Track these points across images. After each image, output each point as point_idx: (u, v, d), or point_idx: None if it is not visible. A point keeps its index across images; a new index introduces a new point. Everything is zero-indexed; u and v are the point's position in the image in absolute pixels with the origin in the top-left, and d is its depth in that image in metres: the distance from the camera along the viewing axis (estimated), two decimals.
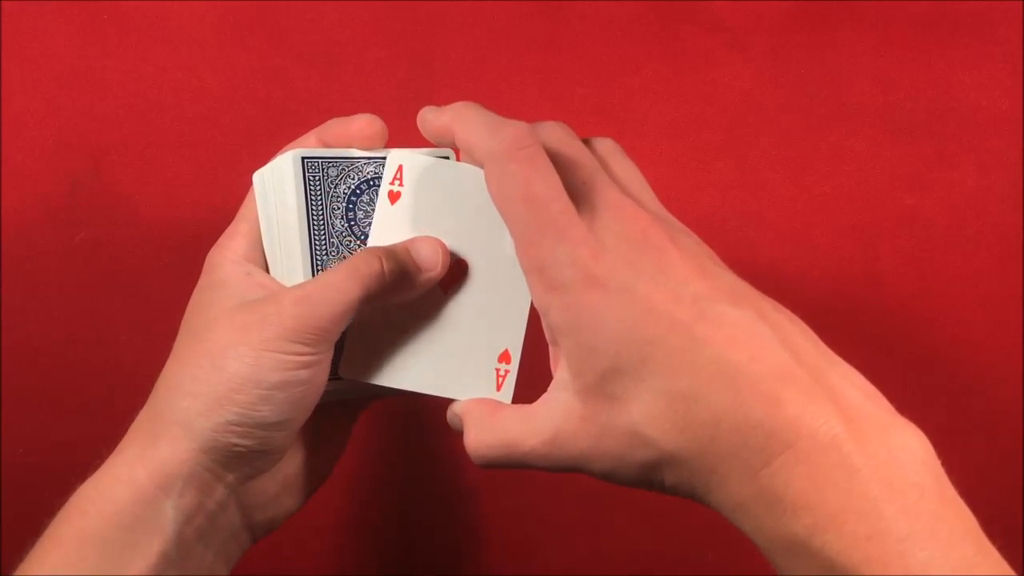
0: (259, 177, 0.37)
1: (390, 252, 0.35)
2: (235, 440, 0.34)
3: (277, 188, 0.37)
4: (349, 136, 0.37)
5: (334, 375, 0.37)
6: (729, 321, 0.29)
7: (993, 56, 0.56)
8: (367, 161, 0.37)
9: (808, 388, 0.29)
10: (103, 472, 0.34)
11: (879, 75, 0.56)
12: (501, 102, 0.55)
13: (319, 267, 0.36)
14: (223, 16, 0.54)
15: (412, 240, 0.36)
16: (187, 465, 0.33)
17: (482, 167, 0.33)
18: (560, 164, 0.33)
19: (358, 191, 0.37)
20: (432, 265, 0.36)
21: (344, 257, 0.36)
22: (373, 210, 0.37)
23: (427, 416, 0.53)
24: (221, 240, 0.38)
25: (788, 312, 0.32)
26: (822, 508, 0.28)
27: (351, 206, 0.37)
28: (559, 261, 0.30)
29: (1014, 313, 0.54)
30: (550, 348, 0.33)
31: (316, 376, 0.34)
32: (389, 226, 0.37)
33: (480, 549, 0.53)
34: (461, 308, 0.37)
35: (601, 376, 0.30)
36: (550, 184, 0.31)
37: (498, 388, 0.37)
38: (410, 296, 0.36)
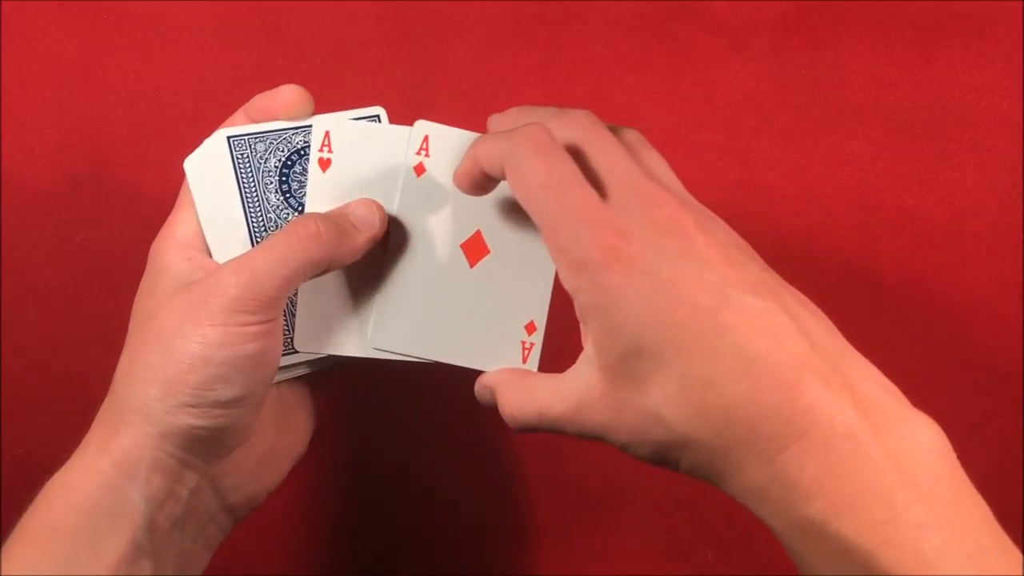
0: (190, 163, 0.37)
1: (325, 215, 0.36)
2: (193, 422, 0.34)
3: (209, 171, 0.37)
4: (274, 109, 0.38)
5: (291, 349, 0.37)
6: (750, 310, 0.30)
7: (993, 56, 0.56)
8: (295, 131, 0.38)
9: (825, 378, 0.29)
10: (69, 465, 0.34)
11: (879, 75, 0.56)
12: (501, 102, 0.55)
13: (259, 243, 0.36)
14: (223, 16, 0.54)
15: (347, 204, 0.37)
16: (148, 451, 0.33)
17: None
18: (587, 150, 0.33)
19: (289, 162, 0.37)
20: (369, 224, 0.36)
21: None
22: (307, 180, 0.38)
23: (425, 416, 0.53)
24: (162, 230, 0.38)
25: (810, 304, 0.32)
26: (837, 493, 0.28)
27: (284, 178, 0.37)
28: (582, 242, 0.31)
29: (1014, 313, 0.54)
30: (581, 326, 0.34)
31: (268, 349, 0.34)
32: (323, 193, 0.37)
33: (479, 549, 0.53)
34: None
35: (622, 356, 0.31)
36: (566, 170, 0.31)
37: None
38: (354, 257, 0.36)
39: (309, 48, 0.54)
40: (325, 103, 0.54)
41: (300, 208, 0.38)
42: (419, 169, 0.37)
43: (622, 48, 0.56)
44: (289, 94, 0.38)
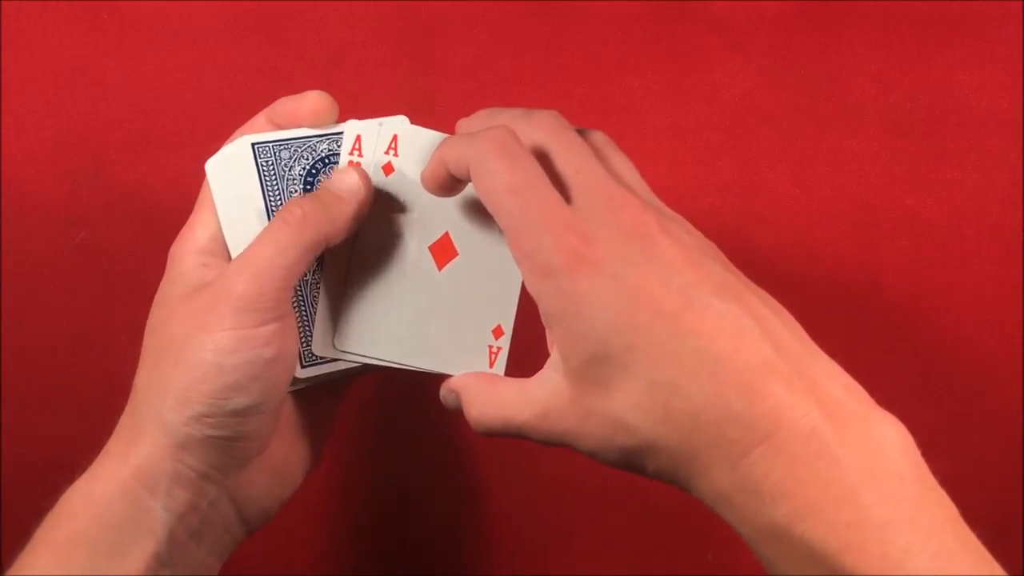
0: (212, 166, 0.37)
1: (308, 195, 0.35)
2: (209, 432, 0.33)
3: (231, 176, 0.36)
4: (300, 114, 0.37)
5: (311, 361, 0.37)
6: (714, 313, 0.30)
7: (993, 56, 0.56)
8: (319, 139, 0.37)
9: (788, 380, 0.29)
10: (90, 474, 0.34)
11: (879, 75, 0.56)
12: (501, 102, 0.55)
13: None
14: (223, 16, 0.54)
15: (331, 175, 0.36)
16: (168, 463, 0.33)
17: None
18: (552, 152, 0.33)
19: (314, 170, 0.37)
20: (354, 192, 0.35)
21: None
22: None
23: (424, 416, 0.53)
24: (181, 232, 0.37)
25: (775, 304, 0.32)
26: (801, 497, 0.28)
27: (308, 186, 0.37)
28: (545, 248, 0.30)
29: (1014, 313, 0.54)
30: (546, 331, 0.34)
31: (282, 353, 0.34)
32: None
33: (479, 549, 0.53)
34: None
35: (587, 362, 0.31)
36: (530, 174, 0.31)
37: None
38: (349, 227, 0.35)
39: (309, 48, 0.54)
40: None
41: None
42: (387, 168, 0.37)
43: (622, 48, 0.56)
44: (315, 100, 0.37)
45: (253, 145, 0.36)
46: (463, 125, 0.36)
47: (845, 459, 0.28)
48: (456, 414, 0.37)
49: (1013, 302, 0.55)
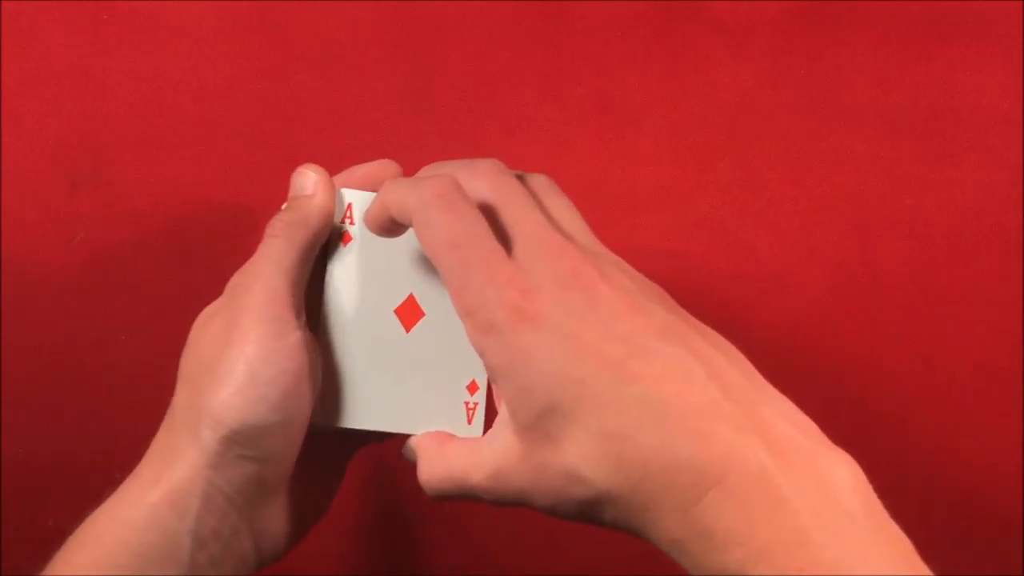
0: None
1: (281, 209, 0.36)
2: (240, 451, 0.33)
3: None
4: (379, 178, 0.37)
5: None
6: (658, 358, 0.29)
7: (993, 56, 0.56)
8: None
9: (736, 422, 0.28)
10: (117, 497, 0.34)
11: (879, 75, 0.56)
12: (501, 102, 0.55)
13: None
14: (223, 16, 0.54)
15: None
16: (200, 485, 0.33)
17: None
18: (494, 202, 0.32)
19: None
20: (302, 186, 0.36)
21: None
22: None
23: None
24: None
25: (723, 342, 0.31)
26: (753, 542, 0.27)
27: None
28: (488, 303, 0.30)
29: (1014, 313, 0.54)
30: (493, 387, 0.33)
31: (304, 369, 0.34)
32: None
33: (479, 549, 0.53)
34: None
35: (536, 416, 0.30)
36: (473, 227, 0.31)
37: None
38: (324, 216, 0.36)
39: (309, 48, 0.54)
40: (325, 103, 0.54)
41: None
42: (346, 238, 0.37)
43: (622, 48, 0.56)
44: (393, 169, 0.38)
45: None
46: (383, 191, 0.36)
47: (795, 500, 0.27)
48: None
49: (1013, 302, 0.55)
